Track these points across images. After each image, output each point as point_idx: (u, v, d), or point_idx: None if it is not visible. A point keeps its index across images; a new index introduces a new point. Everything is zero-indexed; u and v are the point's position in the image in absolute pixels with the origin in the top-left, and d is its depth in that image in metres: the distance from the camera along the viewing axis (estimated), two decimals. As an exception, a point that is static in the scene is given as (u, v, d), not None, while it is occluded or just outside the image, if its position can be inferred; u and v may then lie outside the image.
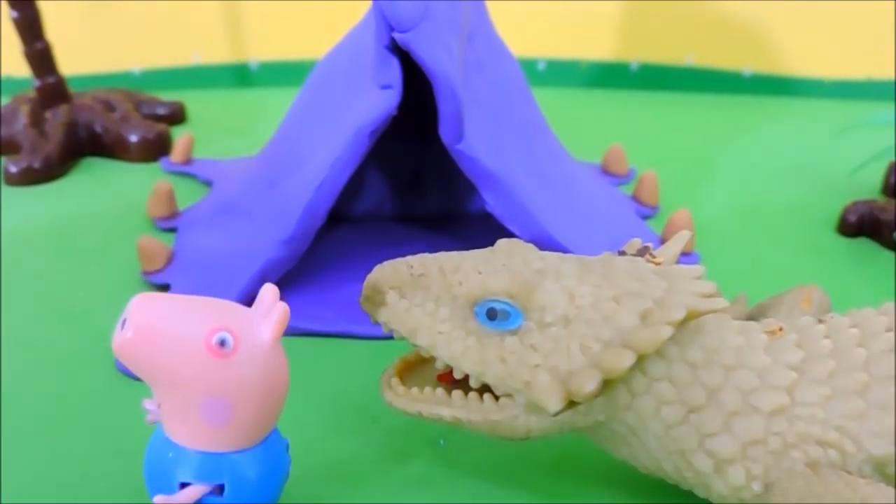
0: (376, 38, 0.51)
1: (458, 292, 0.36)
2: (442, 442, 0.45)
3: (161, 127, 0.90)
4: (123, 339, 0.31)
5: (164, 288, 0.60)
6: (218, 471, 0.34)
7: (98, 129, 0.88)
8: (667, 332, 0.33)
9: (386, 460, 0.44)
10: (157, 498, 0.32)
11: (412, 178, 0.72)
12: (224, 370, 0.32)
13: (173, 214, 0.72)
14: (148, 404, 0.37)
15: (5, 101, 0.95)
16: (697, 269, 0.37)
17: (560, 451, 0.45)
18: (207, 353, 0.32)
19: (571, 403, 0.35)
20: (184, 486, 0.34)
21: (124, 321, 0.32)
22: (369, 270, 0.39)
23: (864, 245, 0.71)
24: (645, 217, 0.74)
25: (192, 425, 0.33)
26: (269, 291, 0.35)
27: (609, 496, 0.42)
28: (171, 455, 0.34)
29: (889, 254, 0.69)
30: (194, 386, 0.32)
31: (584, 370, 0.33)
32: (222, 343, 0.32)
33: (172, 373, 0.32)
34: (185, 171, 0.84)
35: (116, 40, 1.14)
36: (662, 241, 0.67)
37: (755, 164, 0.90)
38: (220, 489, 0.34)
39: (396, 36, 0.50)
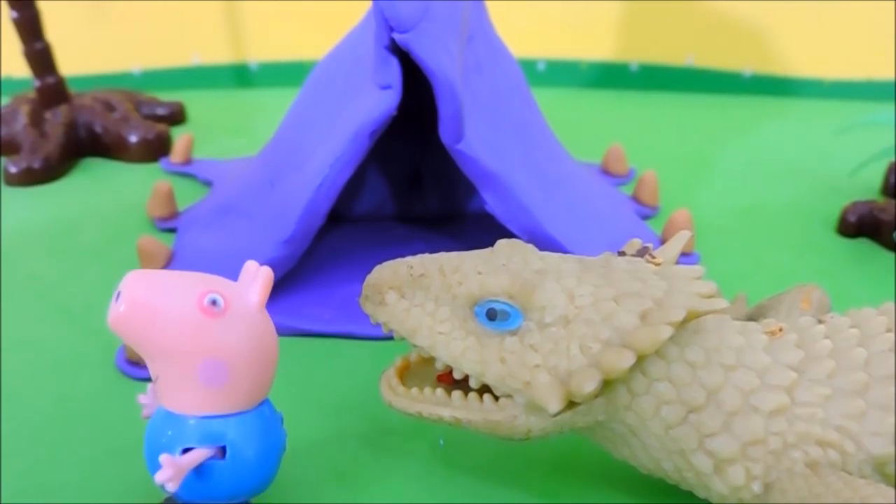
0: (376, 39, 0.51)
1: (457, 292, 0.36)
2: (441, 442, 0.45)
3: (161, 127, 0.91)
4: (118, 312, 0.32)
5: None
6: (219, 433, 0.34)
7: (98, 129, 0.89)
8: (667, 332, 0.33)
9: (385, 460, 0.44)
10: (163, 456, 0.33)
11: (412, 179, 0.72)
12: (217, 329, 0.33)
13: (173, 215, 0.72)
14: (143, 399, 0.38)
15: (5, 101, 0.95)
16: (697, 269, 0.37)
17: (560, 451, 0.45)
18: (200, 314, 0.33)
19: (571, 404, 0.35)
20: (186, 452, 0.34)
21: (118, 295, 0.33)
22: (369, 270, 0.39)
23: (863, 245, 0.71)
24: (645, 217, 0.74)
25: (191, 390, 0.34)
26: (251, 263, 0.36)
27: (609, 496, 0.42)
28: (170, 433, 0.34)
29: (889, 254, 0.69)
30: (190, 348, 0.33)
31: (584, 370, 0.33)
32: (214, 303, 0.33)
33: (168, 338, 0.33)
34: (185, 172, 0.84)
35: (116, 41, 1.14)
36: (662, 241, 0.67)
37: (755, 165, 0.90)
38: (221, 452, 0.34)
39: (396, 36, 0.50)
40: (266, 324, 0.35)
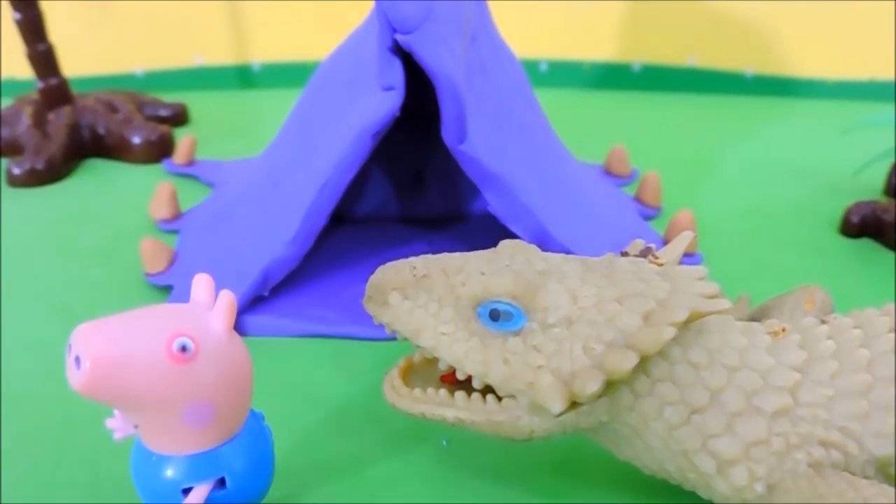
0: (379, 40, 0.52)
1: (461, 293, 0.36)
2: (445, 443, 0.45)
3: (164, 128, 0.91)
4: (83, 375, 0.30)
5: (167, 289, 0.60)
6: (215, 466, 0.34)
7: (101, 130, 0.89)
8: (670, 333, 0.33)
9: (389, 461, 0.44)
10: None
11: (415, 179, 0.72)
12: (194, 374, 0.32)
13: (176, 216, 0.72)
14: (112, 423, 0.36)
15: (9, 102, 0.95)
16: (700, 269, 0.37)
17: (563, 452, 0.45)
18: (172, 364, 0.31)
19: (574, 404, 0.35)
20: (186, 491, 0.34)
21: (77, 358, 0.30)
22: (372, 271, 0.39)
23: (866, 246, 0.71)
24: (647, 218, 0.74)
25: (177, 434, 0.33)
26: (202, 282, 0.34)
27: (613, 497, 0.42)
28: (170, 474, 0.34)
29: (891, 254, 0.69)
30: (171, 398, 0.31)
31: (588, 371, 0.33)
32: (183, 349, 0.31)
33: (145, 392, 0.31)
34: (188, 173, 0.84)
35: (119, 42, 1.14)
36: (665, 241, 0.67)
37: (758, 165, 0.90)
38: (221, 482, 0.34)
39: (399, 37, 0.50)
40: (238, 349, 0.34)
